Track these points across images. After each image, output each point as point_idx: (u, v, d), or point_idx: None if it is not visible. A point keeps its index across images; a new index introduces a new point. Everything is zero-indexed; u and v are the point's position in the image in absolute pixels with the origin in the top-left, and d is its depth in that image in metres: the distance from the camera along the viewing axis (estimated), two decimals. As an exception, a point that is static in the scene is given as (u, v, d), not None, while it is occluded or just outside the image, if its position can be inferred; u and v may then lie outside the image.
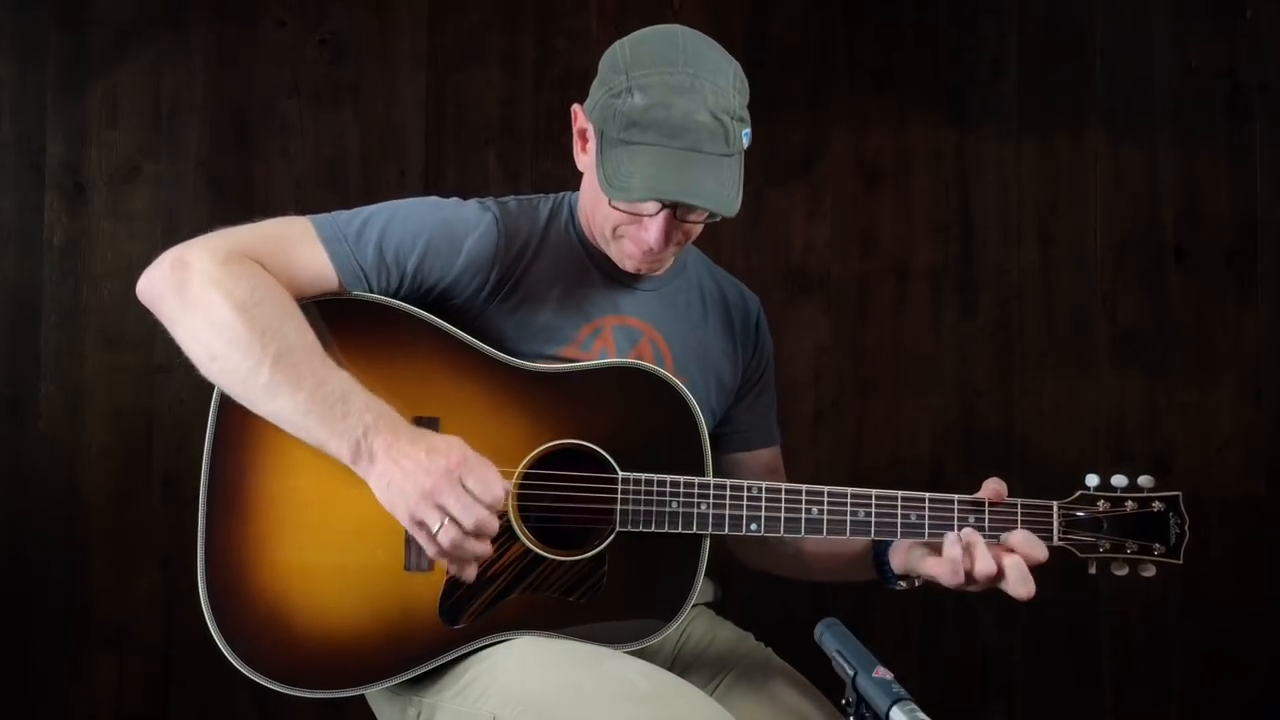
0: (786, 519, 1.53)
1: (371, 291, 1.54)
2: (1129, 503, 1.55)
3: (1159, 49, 2.75)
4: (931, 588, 1.58)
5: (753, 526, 1.53)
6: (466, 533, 1.38)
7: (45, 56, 2.60)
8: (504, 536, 1.49)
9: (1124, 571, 1.55)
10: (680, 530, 1.52)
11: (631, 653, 1.51)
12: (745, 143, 1.52)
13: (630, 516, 1.52)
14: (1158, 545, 1.54)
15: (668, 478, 1.52)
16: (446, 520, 1.37)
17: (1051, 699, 2.69)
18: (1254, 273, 2.73)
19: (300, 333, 1.43)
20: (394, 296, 1.55)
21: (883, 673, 1.20)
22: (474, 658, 1.50)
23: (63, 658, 2.55)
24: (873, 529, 1.53)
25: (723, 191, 1.48)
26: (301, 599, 1.49)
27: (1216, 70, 2.74)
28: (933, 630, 2.67)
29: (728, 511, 1.53)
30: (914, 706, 1.16)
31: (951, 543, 1.50)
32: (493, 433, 1.49)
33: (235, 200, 2.61)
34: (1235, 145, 2.73)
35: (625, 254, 1.60)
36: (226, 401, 1.48)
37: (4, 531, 2.55)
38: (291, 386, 1.39)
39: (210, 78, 2.64)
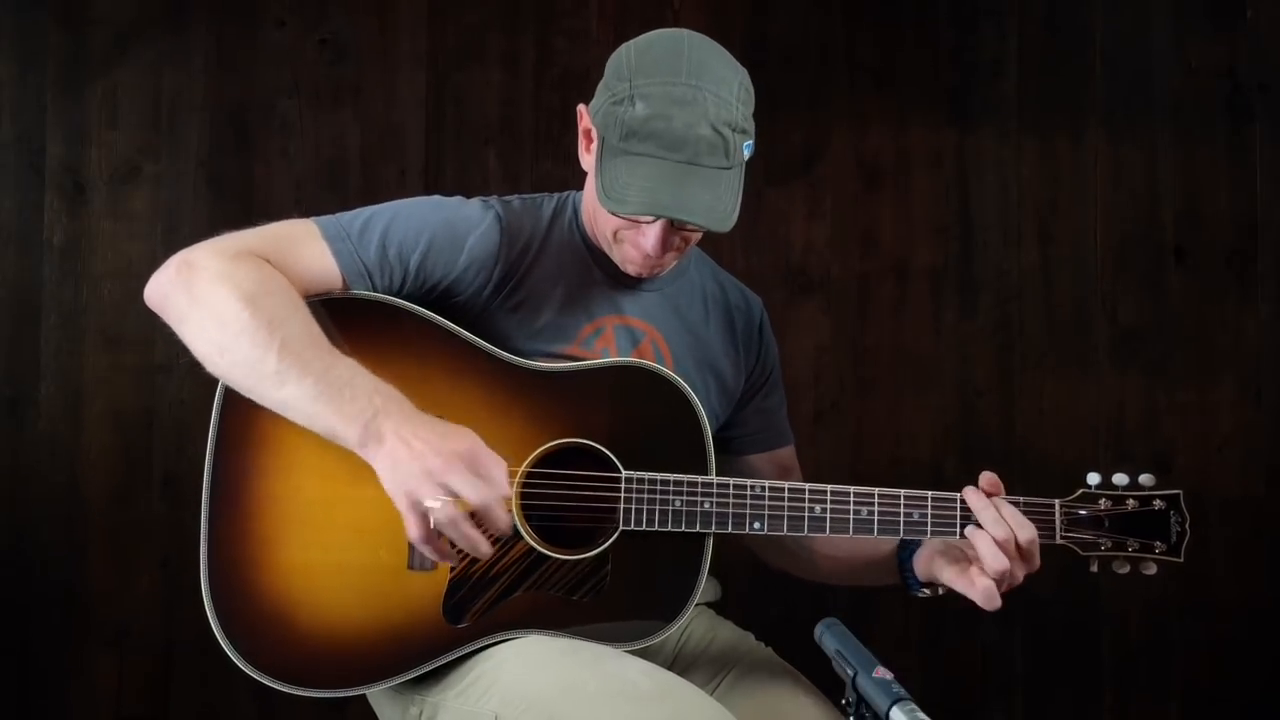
0: (789, 517, 1.53)
1: (375, 289, 1.54)
2: (1130, 501, 1.54)
3: (1159, 49, 2.75)
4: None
5: (756, 525, 1.53)
6: (473, 509, 1.36)
7: (45, 56, 2.60)
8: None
9: (1125, 570, 1.55)
10: (684, 529, 1.52)
11: (632, 652, 1.51)
12: (746, 154, 1.53)
13: (634, 515, 1.52)
14: (1159, 543, 1.54)
15: (671, 476, 1.52)
16: (447, 500, 1.35)
17: (1051, 699, 2.69)
18: (1254, 273, 2.73)
19: (306, 324, 1.43)
20: (397, 295, 1.55)
21: (883, 673, 1.20)
22: (477, 657, 1.50)
23: (63, 657, 2.55)
24: (875, 527, 1.53)
25: (719, 206, 1.48)
26: (304, 598, 1.49)
27: (1216, 70, 2.75)
28: (933, 630, 2.67)
29: (731, 510, 1.53)
30: (914, 706, 1.15)
31: (980, 533, 1.48)
32: (495, 431, 1.48)
33: (235, 200, 2.61)
34: (1235, 145, 2.74)
35: (627, 259, 1.60)
36: (229, 401, 1.48)
37: (4, 532, 2.55)
38: (299, 372, 1.38)
39: (210, 78, 2.63)
